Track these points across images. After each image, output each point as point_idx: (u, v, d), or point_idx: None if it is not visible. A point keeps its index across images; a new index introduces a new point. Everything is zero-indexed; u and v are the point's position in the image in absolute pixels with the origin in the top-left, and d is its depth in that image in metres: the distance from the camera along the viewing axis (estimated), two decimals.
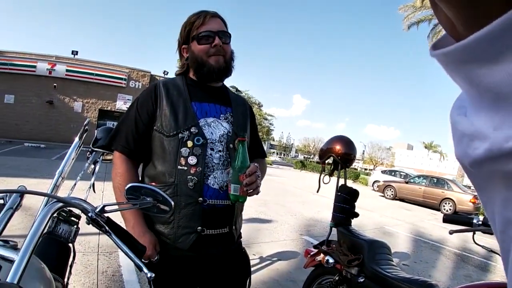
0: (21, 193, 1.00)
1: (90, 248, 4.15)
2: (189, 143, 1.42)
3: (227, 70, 1.58)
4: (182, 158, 1.41)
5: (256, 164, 1.46)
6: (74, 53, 24.81)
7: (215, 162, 1.45)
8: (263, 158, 1.86)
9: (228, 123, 1.57)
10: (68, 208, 1.29)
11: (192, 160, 1.41)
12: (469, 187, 16.86)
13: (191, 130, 1.44)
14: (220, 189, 1.45)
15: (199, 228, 1.40)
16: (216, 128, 1.51)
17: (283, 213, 8.29)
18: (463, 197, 15.03)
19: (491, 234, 1.84)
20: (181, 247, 1.41)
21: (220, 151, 1.48)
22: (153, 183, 1.44)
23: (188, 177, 1.39)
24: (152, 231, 1.45)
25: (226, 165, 1.48)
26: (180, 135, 1.43)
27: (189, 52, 1.57)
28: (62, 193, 1.63)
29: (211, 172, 1.44)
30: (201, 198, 1.40)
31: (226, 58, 1.55)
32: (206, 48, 1.50)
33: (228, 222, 1.50)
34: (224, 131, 1.52)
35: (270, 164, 36.76)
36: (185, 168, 1.40)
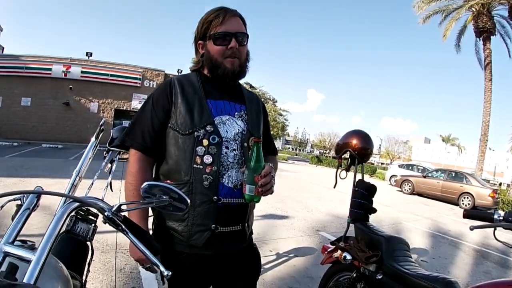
0: (38, 193, 1.00)
1: (108, 246, 4.21)
2: (205, 142, 1.42)
3: (241, 72, 1.56)
4: (197, 157, 1.40)
5: (270, 164, 1.45)
6: (89, 54, 25.14)
7: (230, 161, 1.45)
8: (274, 155, 1.85)
9: (243, 121, 1.56)
10: (86, 207, 1.30)
11: (208, 159, 1.40)
12: (488, 181, 16.58)
13: (207, 128, 1.43)
14: (235, 188, 1.44)
15: (213, 226, 1.40)
16: (231, 126, 1.50)
17: (299, 209, 8.29)
18: (482, 191, 14.80)
19: None
20: (195, 244, 1.41)
21: (234, 149, 1.47)
22: (168, 181, 1.43)
23: (204, 176, 1.39)
24: (164, 228, 1.46)
25: (240, 163, 1.48)
26: (195, 133, 1.42)
27: (204, 49, 1.54)
28: (79, 192, 1.65)
29: (225, 171, 1.43)
30: (215, 197, 1.40)
31: (241, 61, 1.54)
32: (222, 50, 1.48)
33: (241, 220, 1.50)
34: (238, 129, 1.51)
35: (286, 160, 36.71)
36: (201, 167, 1.40)
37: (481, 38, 23.46)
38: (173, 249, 1.43)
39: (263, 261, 4.45)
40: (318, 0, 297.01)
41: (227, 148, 1.46)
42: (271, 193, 1.47)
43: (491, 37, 23.16)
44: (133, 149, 1.48)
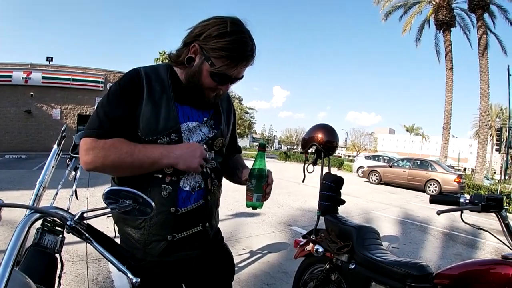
0: None
1: (78, 257, 4.10)
2: None
3: (214, 102, 1.46)
4: None
5: (271, 171, 1.44)
6: (49, 59, 24.39)
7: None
8: (239, 153, 1.81)
9: (208, 127, 1.47)
10: (52, 218, 1.27)
11: (168, 169, 1.32)
12: (453, 167, 17.13)
13: (171, 136, 1.33)
14: (192, 191, 1.38)
15: (169, 236, 1.35)
16: (195, 134, 1.41)
17: (270, 205, 8.29)
18: (448, 177, 15.32)
19: (479, 212, 1.87)
20: (150, 253, 1.35)
21: None
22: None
23: (163, 185, 1.32)
24: (122, 233, 1.40)
25: (200, 169, 1.39)
26: (159, 141, 1.32)
27: (195, 59, 1.33)
28: (45, 203, 1.59)
29: (183, 174, 1.36)
30: (173, 208, 1.33)
31: (218, 95, 1.44)
32: (213, 85, 1.35)
33: (200, 220, 1.43)
34: (202, 137, 1.43)
35: (254, 157, 36.78)
36: (160, 175, 1.32)
37: (441, 31, 24.26)
38: (134, 256, 1.36)
39: (236, 260, 4.49)
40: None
41: None
42: (269, 197, 1.46)
43: (451, 29, 23.99)
44: (89, 137, 1.26)
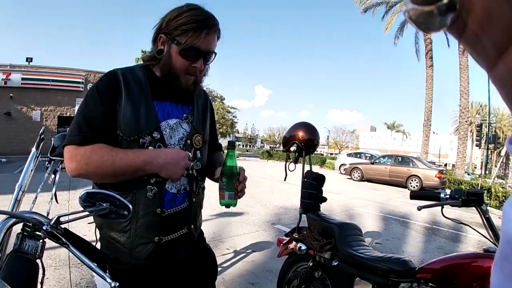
0: None
1: (61, 262, 4.01)
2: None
3: (193, 91, 1.47)
4: None
5: (243, 168, 1.43)
6: (29, 60, 23.87)
7: None
8: (220, 151, 1.81)
9: (188, 123, 1.48)
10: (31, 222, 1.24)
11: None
12: (434, 163, 17.41)
13: (153, 135, 1.33)
14: (178, 193, 1.39)
15: (157, 238, 1.34)
16: (176, 131, 1.42)
17: (253, 204, 8.36)
18: (429, 173, 15.55)
19: (459, 206, 1.90)
20: (138, 256, 1.34)
21: None
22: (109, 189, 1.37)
23: (148, 187, 1.31)
24: (106, 238, 1.38)
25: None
26: (141, 140, 1.31)
27: (165, 49, 1.37)
28: (24, 207, 1.56)
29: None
30: (159, 209, 1.33)
31: (197, 79, 1.44)
32: (186, 65, 1.35)
33: (186, 222, 1.44)
34: (183, 133, 1.44)
35: (237, 157, 36.76)
36: (145, 177, 1.31)
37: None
38: (118, 260, 1.34)
39: (221, 260, 4.49)
40: None
41: None
42: (243, 195, 1.45)
43: None
44: (70, 145, 1.27)
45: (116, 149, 1.27)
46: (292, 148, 2.79)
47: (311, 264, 2.48)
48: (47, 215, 1.21)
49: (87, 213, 1.02)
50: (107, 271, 1.04)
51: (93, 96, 1.31)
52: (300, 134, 2.69)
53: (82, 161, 1.23)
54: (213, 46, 1.40)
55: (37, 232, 1.47)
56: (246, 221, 6.72)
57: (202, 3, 1.39)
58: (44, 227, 0.91)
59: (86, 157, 1.23)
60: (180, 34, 1.31)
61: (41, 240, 1.49)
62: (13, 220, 0.92)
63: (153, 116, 1.35)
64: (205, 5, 1.38)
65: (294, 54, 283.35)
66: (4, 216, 1.33)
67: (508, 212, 0.31)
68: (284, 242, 2.77)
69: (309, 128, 2.73)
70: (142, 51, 32.41)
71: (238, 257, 4.61)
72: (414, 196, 2.17)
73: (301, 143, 2.68)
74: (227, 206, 1.41)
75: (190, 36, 1.31)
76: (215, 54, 1.43)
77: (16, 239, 1.39)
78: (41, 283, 1.44)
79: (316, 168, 2.77)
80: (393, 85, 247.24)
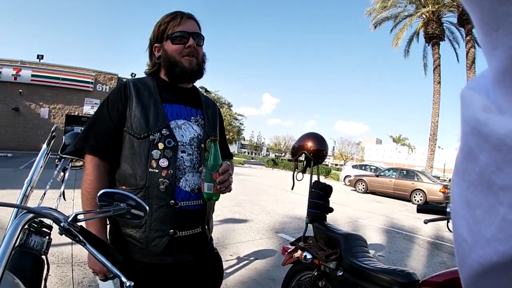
0: None
1: (63, 259, 4.04)
2: (160, 145, 1.40)
3: (199, 72, 1.57)
4: (153, 161, 1.38)
5: (228, 162, 1.47)
6: (40, 57, 24.12)
7: (186, 165, 1.44)
8: (230, 159, 1.85)
9: (199, 126, 1.56)
10: (39, 218, 1.25)
11: (164, 162, 1.39)
12: (438, 178, 17.30)
13: (162, 132, 1.41)
14: (192, 192, 1.44)
15: (171, 231, 1.38)
16: (187, 130, 1.49)
17: (258, 212, 8.32)
18: (433, 187, 15.40)
19: None
20: (154, 250, 1.38)
21: (190, 154, 1.46)
22: (123, 187, 1.40)
23: (160, 179, 1.37)
24: (121, 236, 1.42)
25: (197, 168, 1.47)
26: (151, 137, 1.40)
27: (161, 51, 1.54)
28: (31, 203, 1.58)
29: (182, 174, 1.42)
30: (172, 201, 1.38)
31: (198, 60, 1.55)
32: (180, 48, 1.50)
33: (200, 222, 1.49)
34: (194, 134, 1.51)
35: (242, 164, 36.77)
36: (157, 170, 1.38)
37: (430, 44, 24.57)
38: (132, 258, 1.39)
39: (224, 266, 4.43)
40: (272, 7, 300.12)
41: (183, 152, 1.45)
42: (229, 191, 1.47)
43: (440, 42, 24.33)
44: (89, 155, 1.43)
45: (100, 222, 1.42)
46: (300, 158, 2.79)
47: (315, 273, 2.47)
48: None
49: (104, 212, 1.03)
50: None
51: (105, 109, 1.47)
52: (309, 144, 2.70)
53: (91, 183, 1.41)
54: (195, 28, 1.56)
55: (43, 229, 1.48)
56: (250, 228, 6.70)
57: (192, 10, 1.61)
58: (62, 224, 0.91)
59: (92, 184, 1.41)
60: (165, 30, 1.52)
61: (47, 237, 1.50)
62: (31, 215, 0.93)
63: (162, 115, 1.45)
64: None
65: (303, 64, 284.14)
66: (15, 210, 1.34)
67: (466, 97, 0.29)
68: (289, 250, 2.77)
69: (318, 139, 2.74)
70: (147, 64, 32.34)
71: (241, 264, 4.59)
72: (421, 210, 2.17)
73: (310, 153, 2.68)
74: (208, 199, 1.44)
75: (171, 26, 1.51)
76: (203, 37, 1.59)
77: (22, 234, 1.39)
78: (45, 279, 1.44)
79: (321, 179, 2.77)
80: (400, 98, 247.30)
